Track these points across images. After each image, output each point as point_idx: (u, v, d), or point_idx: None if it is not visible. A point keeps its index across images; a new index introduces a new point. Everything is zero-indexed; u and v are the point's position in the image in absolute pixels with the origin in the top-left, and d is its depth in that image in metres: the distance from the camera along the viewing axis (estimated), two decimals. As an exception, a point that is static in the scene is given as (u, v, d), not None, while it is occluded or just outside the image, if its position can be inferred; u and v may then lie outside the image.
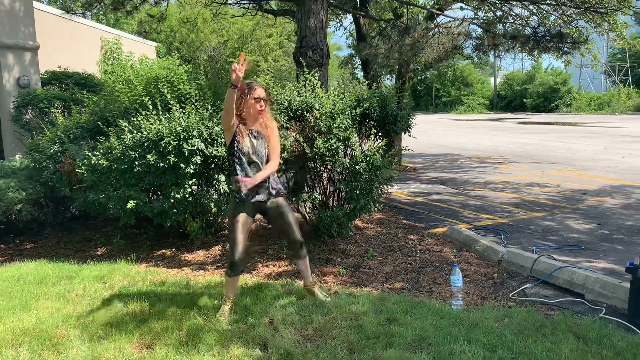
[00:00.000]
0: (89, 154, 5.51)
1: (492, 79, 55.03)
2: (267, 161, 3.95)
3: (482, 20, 10.73)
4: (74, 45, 14.43)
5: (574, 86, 46.82)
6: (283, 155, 5.27)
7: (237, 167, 3.87)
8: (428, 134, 22.64)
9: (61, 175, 6.14)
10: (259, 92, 3.87)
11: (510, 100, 50.40)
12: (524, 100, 47.65)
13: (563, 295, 4.30)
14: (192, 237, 6.06)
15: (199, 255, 5.80)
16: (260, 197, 3.92)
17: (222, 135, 5.25)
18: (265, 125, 3.98)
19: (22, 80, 10.19)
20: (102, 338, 3.57)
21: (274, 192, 3.98)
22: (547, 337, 3.46)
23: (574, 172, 11.20)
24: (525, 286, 4.53)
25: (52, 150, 6.34)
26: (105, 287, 4.70)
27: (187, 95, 5.85)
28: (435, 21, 10.22)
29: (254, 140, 3.90)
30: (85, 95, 9.52)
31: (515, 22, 10.68)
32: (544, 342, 3.36)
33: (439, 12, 10.11)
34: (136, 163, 5.18)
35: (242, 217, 3.90)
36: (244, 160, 3.87)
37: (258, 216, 4.26)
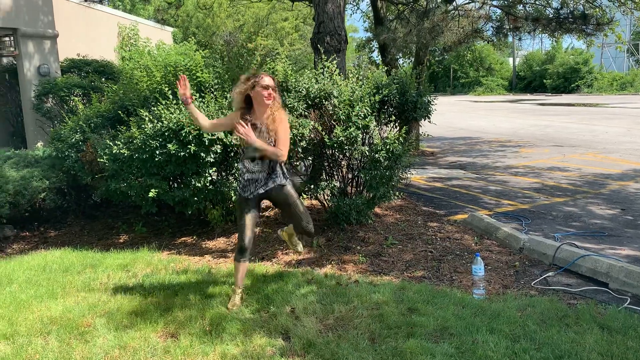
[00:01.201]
0: (110, 143, 5.56)
1: (511, 60, 54.08)
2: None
3: (502, 1, 10.51)
4: (91, 32, 14.50)
5: (595, 66, 45.79)
6: (302, 144, 5.27)
7: (244, 161, 3.96)
8: (446, 116, 22.41)
9: (83, 164, 6.22)
10: (267, 80, 3.83)
11: (530, 81, 49.56)
12: (544, 81, 46.82)
13: (586, 284, 4.26)
14: (212, 224, 6.10)
15: (220, 242, 5.85)
16: (259, 191, 3.95)
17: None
18: (273, 119, 3.86)
19: (42, 68, 10.29)
20: (128, 327, 3.63)
21: (273, 185, 3.95)
22: (571, 327, 3.44)
23: (596, 155, 11.02)
24: (548, 274, 4.50)
25: (73, 139, 6.41)
26: (128, 275, 4.77)
27: (206, 84, 5.85)
28: (454, 4, 10.05)
29: (257, 135, 3.79)
30: (105, 84, 9.60)
31: (536, 2, 10.45)
32: (568, 333, 3.34)
33: (458, -6, 9.92)
34: (157, 152, 5.21)
35: (247, 205, 3.99)
36: (248, 154, 3.89)
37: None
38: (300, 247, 4.53)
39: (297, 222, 4.13)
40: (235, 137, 3.93)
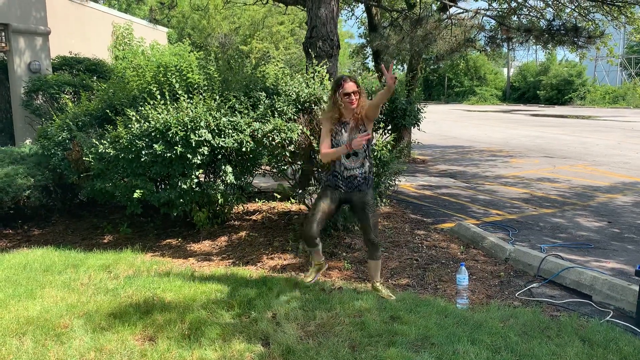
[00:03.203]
0: (97, 142, 5.50)
1: (505, 70, 54.37)
2: (365, 149, 4.04)
3: (496, 12, 10.56)
4: (85, 31, 14.40)
5: (588, 78, 46.10)
6: (290, 148, 5.25)
7: (336, 161, 4.06)
8: (439, 125, 22.48)
9: (69, 162, 6.15)
10: (347, 87, 3.94)
11: (524, 92, 49.82)
12: (537, 92, 47.06)
13: (570, 296, 4.25)
14: (198, 227, 6.06)
15: (205, 245, 5.80)
16: (344, 187, 4.07)
17: (229, 127, 5.22)
18: (360, 117, 4.02)
19: (33, 65, 10.20)
20: (105, 329, 3.57)
21: (360, 185, 4.07)
22: (552, 339, 3.42)
23: (586, 167, 11.07)
24: (532, 285, 4.49)
25: (60, 138, 6.34)
26: (110, 276, 4.71)
27: (196, 85, 5.82)
28: (447, 12, 10.07)
29: (348, 132, 4.02)
30: (96, 82, 9.53)
31: (530, 14, 10.50)
32: (549, 345, 3.32)
33: (452, 3, 9.95)
34: (143, 153, 5.16)
35: (325, 200, 4.09)
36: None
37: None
38: (387, 294, 4.21)
39: (364, 233, 4.22)
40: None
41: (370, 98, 5.63)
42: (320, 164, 5.70)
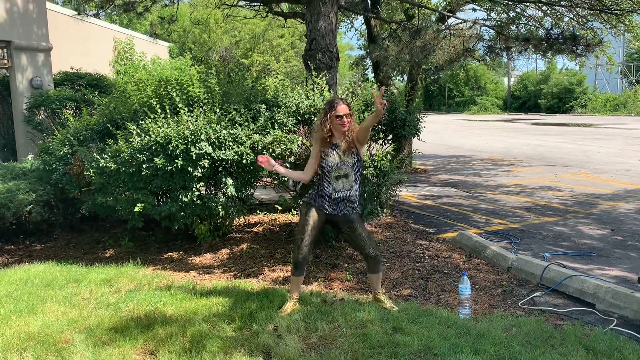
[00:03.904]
0: (97, 156, 5.52)
1: (505, 80, 54.50)
2: (356, 172, 4.01)
3: (494, 22, 10.61)
4: (86, 46, 14.52)
5: (589, 87, 46.16)
6: (290, 159, 5.25)
7: (325, 182, 4.05)
8: (440, 134, 22.50)
9: (70, 177, 6.17)
10: (340, 109, 3.94)
11: (525, 101, 49.88)
12: (538, 100, 47.11)
13: (573, 305, 4.22)
14: (200, 240, 6.05)
15: (207, 258, 5.79)
16: (329, 209, 4.02)
17: (230, 139, 5.24)
18: (351, 140, 4.01)
19: (35, 81, 10.26)
20: (106, 344, 3.56)
21: (346, 208, 4.03)
22: (556, 348, 3.39)
23: (588, 175, 11.05)
24: (535, 294, 4.46)
25: (61, 152, 6.36)
26: (111, 290, 4.70)
27: (196, 98, 5.84)
28: (446, 23, 10.14)
29: (340, 154, 4.00)
30: (97, 97, 9.58)
31: (529, 23, 10.55)
32: (553, 354, 3.29)
33: (450, 14, 10.01)
34: (144, 166, 5.17)
35: (312, 221, 4.03)
36: (333, 175, 4.00)
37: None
38: (389, 305, 4.17)
39: (361, 250, 4.14)
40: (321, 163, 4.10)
41: (369, 109, 5.65)
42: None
